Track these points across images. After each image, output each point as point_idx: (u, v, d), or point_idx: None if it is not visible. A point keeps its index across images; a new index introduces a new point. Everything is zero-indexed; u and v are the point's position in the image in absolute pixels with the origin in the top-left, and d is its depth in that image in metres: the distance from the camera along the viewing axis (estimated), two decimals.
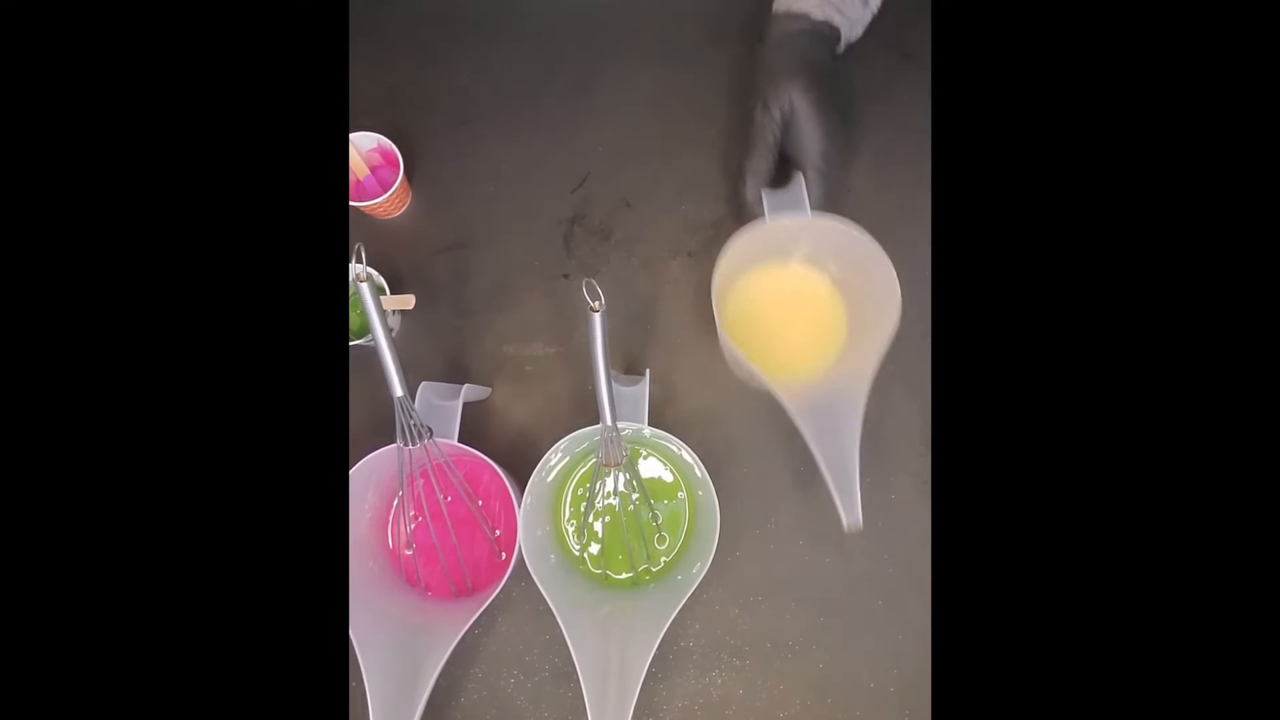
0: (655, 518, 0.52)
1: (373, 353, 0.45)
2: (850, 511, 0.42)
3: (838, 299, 0.55)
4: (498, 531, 0.52)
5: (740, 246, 0.49)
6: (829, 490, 0.43)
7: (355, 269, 0.43)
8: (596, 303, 0.41)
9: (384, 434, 0.46)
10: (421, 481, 0.52)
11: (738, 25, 0.62)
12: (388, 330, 0.44)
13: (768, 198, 0.52)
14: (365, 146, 0.57)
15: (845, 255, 0.52)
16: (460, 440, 0.48)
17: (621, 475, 0.52)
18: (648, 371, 0.52)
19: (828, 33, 0.54)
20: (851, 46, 0.57)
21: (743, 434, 0.55)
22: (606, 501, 0.53)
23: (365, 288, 0.43)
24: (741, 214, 0.53)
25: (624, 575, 0.52)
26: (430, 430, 0.46)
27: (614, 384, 0.45)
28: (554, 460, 0.49)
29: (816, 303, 0.55)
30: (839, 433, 0.43)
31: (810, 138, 0.51)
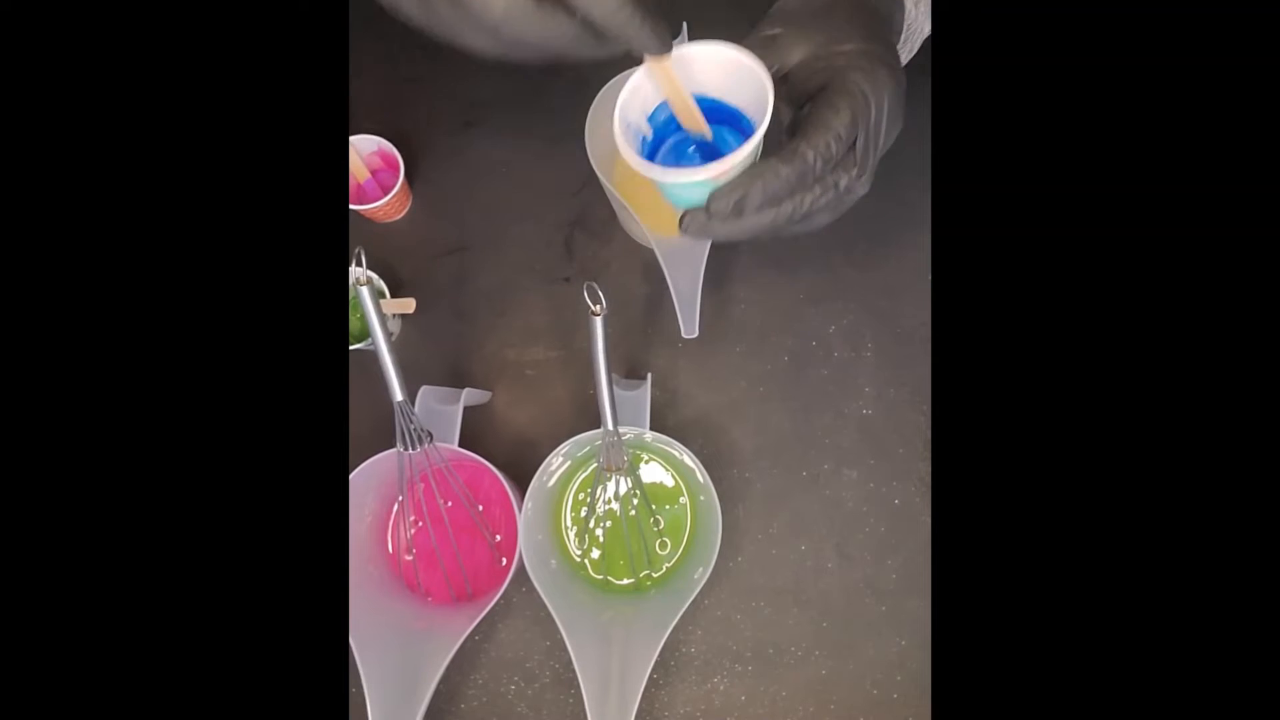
0: (657, 523, 0.52)
1: (373, 357, 0.44)
2: (689, 326, 0.47)
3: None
4: (498, 537, 0.52)
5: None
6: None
7: (355, 273, 0.43)
8: (598, 306, 0.41)
9: (384, 439, 0.46)
10: (422, 486, 0.52)
11: (747, 26, 0.62)
12: (388, 334, 0.43)
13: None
14: (365, 149, 0.56)
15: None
16: (460, 445, 0.48)
17: (623, 480, 0.52)
18: (649, 376, 0.52)
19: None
20: None
21: (745, 439, 0.55)
22: (608, 506, 0.52)
23: (365, 291, 0.42)
24: None
25: (625, 581, 0.52)
26: (430, 435, 0.46)
27: (615, 388, 0.44)
28: (555, 465, 0.48)
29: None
30: (690, 263, 0.47)
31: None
